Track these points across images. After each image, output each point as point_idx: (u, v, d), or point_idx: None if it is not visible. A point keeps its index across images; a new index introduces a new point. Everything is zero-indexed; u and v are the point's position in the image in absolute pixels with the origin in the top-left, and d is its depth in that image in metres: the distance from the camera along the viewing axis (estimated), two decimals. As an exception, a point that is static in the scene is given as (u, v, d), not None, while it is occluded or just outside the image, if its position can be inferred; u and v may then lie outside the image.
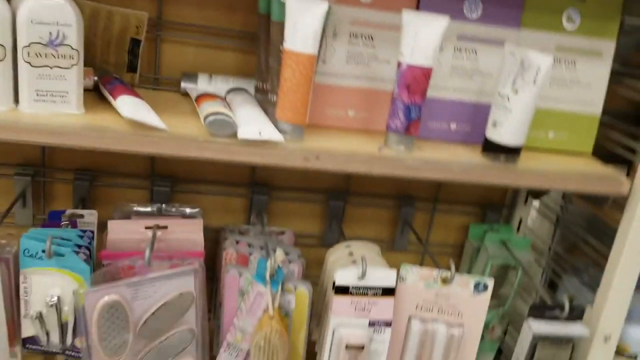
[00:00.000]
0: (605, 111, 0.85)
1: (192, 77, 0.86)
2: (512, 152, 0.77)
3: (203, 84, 0.86)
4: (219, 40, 0.88)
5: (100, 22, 0.81)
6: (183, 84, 0.86)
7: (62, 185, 0.93)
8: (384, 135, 0.77)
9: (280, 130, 0.72)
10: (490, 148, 0.78)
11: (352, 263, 0.85)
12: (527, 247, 0.99)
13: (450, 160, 0.76)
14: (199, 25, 0.87)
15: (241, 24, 0.88)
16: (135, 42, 0.83)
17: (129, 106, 0.70)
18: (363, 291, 0.79)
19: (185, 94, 0.86)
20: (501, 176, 0.77)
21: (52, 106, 0.68)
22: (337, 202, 1.00)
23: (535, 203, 1.10)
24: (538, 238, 1.11)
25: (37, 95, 0.67)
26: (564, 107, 0.84)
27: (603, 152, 0.87)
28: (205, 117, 0.72)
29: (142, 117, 0.68)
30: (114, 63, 0.83)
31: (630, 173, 0.81)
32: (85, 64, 0.72)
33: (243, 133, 0.70)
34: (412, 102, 0.74)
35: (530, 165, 0.79)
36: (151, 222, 0.83)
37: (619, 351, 0.89)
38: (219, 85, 0.86)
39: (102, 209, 0.90)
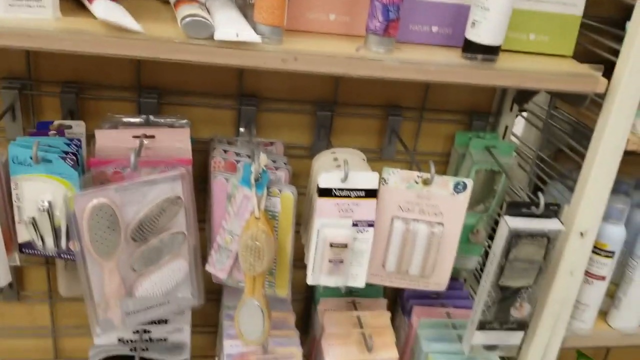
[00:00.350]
0: (587, 15, 0.84)
1: (171, -16, 0.85)
2: (490, 52, 0.77)
3: (183, -9, 0.85)
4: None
5: None
6: (162, -9, 0.85)
7: (50, 98, 0.94)
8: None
9: (258, 33, 0.72)
10: (469, 48, 0.78)
11: (337, 168, 0.87)
12: (511, 153, 1.01)
13: (428, 61, 0.77)
14: None
15: None
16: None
17: (104, 8, 0.69)
18: (346, 193, 0.81)
19: (166, 2, 0.86)
20: (479, 76, 0.77)
21: (28, 11, 0.68)
22: (325, 113, 1.01)
23: (522, 112, 1.10)
24: (524, 145, 1.12)
25: (13, 0, 0.67)
26: (545, 7, 0.83)
27: (584, 56, 0.87)
28: (182, 19, 0.72)
29: (117, 19, 0.68)
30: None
31: (611, 73, 0.81)
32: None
33: (220, 34, 0.70)
34: (390, 1, 0.73)
35: (509, 65, 0.79)
36: (139, 131, 0.85)
37: (598, 248, 0.92)
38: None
39: (91, 121, 0.92)
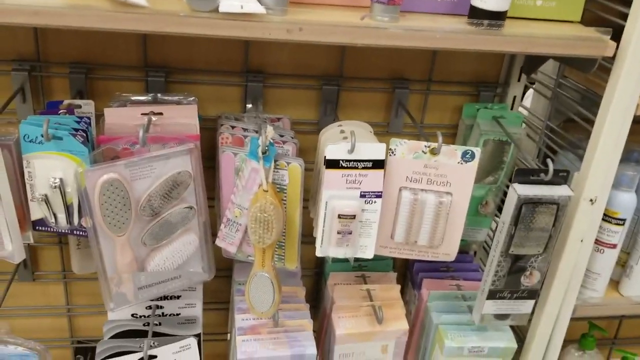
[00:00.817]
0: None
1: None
2: (496, 17, 0.76)
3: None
4: None
5: None
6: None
7: (59, 79, 0.95)
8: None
9: (262, 4, 0.73)
10: (475, 15, 0.77)
11: (344, 140, 0.87)
12: (519, 123, 1.00)
13: (434, 28, 0.76)
14: None
15: None
16: None
17: (110, -16, 0.70)
18: (353, 164, 0.81)
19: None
20: (486, 42, 0.77)
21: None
22: (331, 87, 1.01)
23: (530, 82, 1.09)
24: (533, 115, 1.11)
25: (18, -23, 0.68)
26: (554, -28, 0.83)
27: (593, 21, 0.86)
28: (187, -7, 0.72)
29: (124, -5, 0.69)
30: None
31: (620, 37, 0.80)
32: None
33: (224, 7, 0.70)
34: (394, -31, 0.73)
35: (515, 31, 0.78)
36: (147, 109, 0.85)
37: (608, 215, 0.92)
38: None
39: (100, 101, 0.93)
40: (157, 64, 0.96)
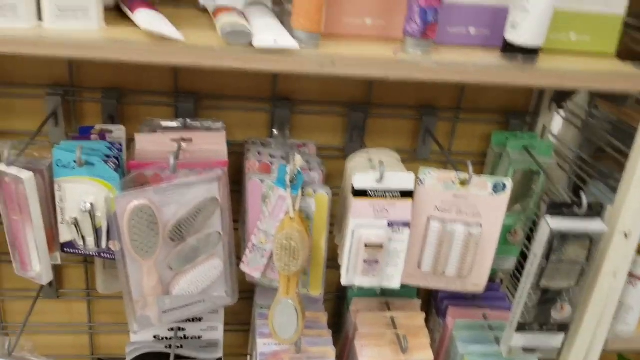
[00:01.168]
0: (629, 12, 0.82)
1: (208, -11, 0.86)
2: (530, 53, 0.76)
3: (221, -2, 0.86)
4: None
5: None
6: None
7: (91, 104, 0.96)
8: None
9: (295, 38, 0.73)
10: (509, 49, 0.77)
11: (371, 168, 0.86)
12: (549, 153, 0.99)
13: (467, 61, 0.76)
14: None
15: None
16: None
17: (147, 18, 0.71)
18: (381, 194, 0.81)
19: (205, 10, 0.87)
20: (519, 76, 0.76)
21: (74, 22, 0.70)
22: (358, 114, 1.01)
23: (560, 111, 1.08)
24: (563, 145, 1.10)
25: (59, 11, 0.69)
26: (586, 7, 0.82)
27: (628, 54, 0.85)
28: (222, 28, 0.73)
29: (159, 29, 0.69)
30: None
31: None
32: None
33: (259, 41, 0.71)
34: (429, 4, 0.73)
35: (550, 66, 0.77)
36: (177, 135, 0.86)
37: (642, 250, 0.90)
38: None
39: (130, 125, 0.94)
40: (187, 90, 0.97)
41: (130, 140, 0.88)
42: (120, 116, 0.97)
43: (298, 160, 0.81)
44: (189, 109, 0.97)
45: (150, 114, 0.97)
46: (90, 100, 0.96)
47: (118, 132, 0.89)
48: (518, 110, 1.05)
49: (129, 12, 0.75)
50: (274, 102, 0.99)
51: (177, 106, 0.97)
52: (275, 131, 1.00)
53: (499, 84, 0.76)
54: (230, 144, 0.93)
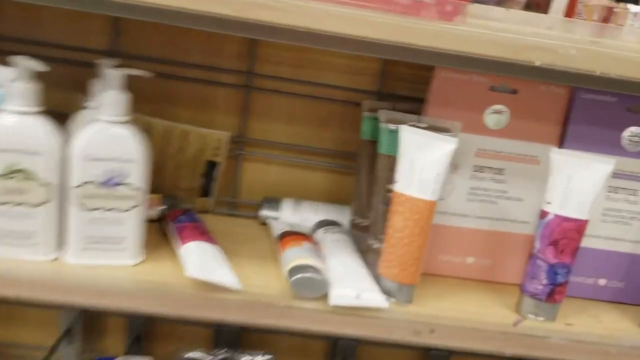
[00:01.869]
0: None
1: (273, 203, 0.72)
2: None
3: (287, 213, 0.71)
4: (307, 159, 0.75)
5: (174, 143, 0.68)
6: (263, 212, 0.72)
7: (115, 318, 0.79)
8: (516, 295, 0.60)
9: (383, 290, 0.56)
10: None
11: None
12: None
13: (606, 335, 0.58)
14: (285, 143, 0.74)
15: (333, 141, 0.74)
16: (212, 165, 0.70)
17: (196, 259, 0.55)
18: None
19: (263, 224, 0.72)
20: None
21: (103, 256, 0.54)
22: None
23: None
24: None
25: (87, 243, 0.54)
26: None
27: None
28: (290, 272, 0.56)
29: (210, 276, 0.53)
30: (185, 188, 0.70)
31: None
32: (153, 190, 0.60)
33: (336, 298, 0.54)
34: (560, 262, 0.56)
35: None
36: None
37: None
38: (306, 214, 0.71)
39: (160, 346, 0.76)
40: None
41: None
42: (147, 335, 0.79)
43: None
44: (231, 333, 0.79)
45: (183, 333, 0.79)
46: (114, 313, 0.79)
47: (143, 365, 0.72)
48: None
49: (176, 241, 0.60)
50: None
51: (217, 329, 0.79)
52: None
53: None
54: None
